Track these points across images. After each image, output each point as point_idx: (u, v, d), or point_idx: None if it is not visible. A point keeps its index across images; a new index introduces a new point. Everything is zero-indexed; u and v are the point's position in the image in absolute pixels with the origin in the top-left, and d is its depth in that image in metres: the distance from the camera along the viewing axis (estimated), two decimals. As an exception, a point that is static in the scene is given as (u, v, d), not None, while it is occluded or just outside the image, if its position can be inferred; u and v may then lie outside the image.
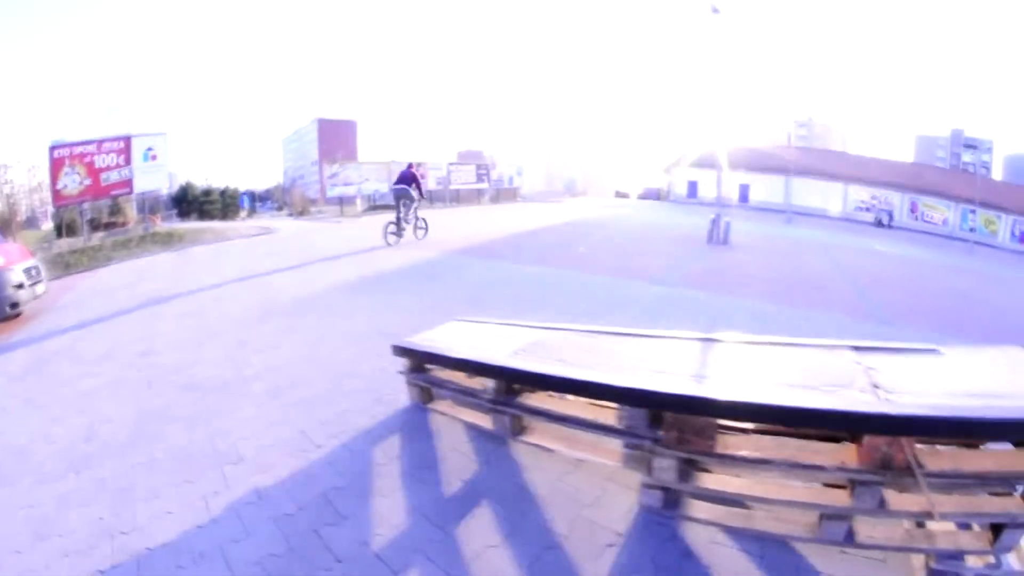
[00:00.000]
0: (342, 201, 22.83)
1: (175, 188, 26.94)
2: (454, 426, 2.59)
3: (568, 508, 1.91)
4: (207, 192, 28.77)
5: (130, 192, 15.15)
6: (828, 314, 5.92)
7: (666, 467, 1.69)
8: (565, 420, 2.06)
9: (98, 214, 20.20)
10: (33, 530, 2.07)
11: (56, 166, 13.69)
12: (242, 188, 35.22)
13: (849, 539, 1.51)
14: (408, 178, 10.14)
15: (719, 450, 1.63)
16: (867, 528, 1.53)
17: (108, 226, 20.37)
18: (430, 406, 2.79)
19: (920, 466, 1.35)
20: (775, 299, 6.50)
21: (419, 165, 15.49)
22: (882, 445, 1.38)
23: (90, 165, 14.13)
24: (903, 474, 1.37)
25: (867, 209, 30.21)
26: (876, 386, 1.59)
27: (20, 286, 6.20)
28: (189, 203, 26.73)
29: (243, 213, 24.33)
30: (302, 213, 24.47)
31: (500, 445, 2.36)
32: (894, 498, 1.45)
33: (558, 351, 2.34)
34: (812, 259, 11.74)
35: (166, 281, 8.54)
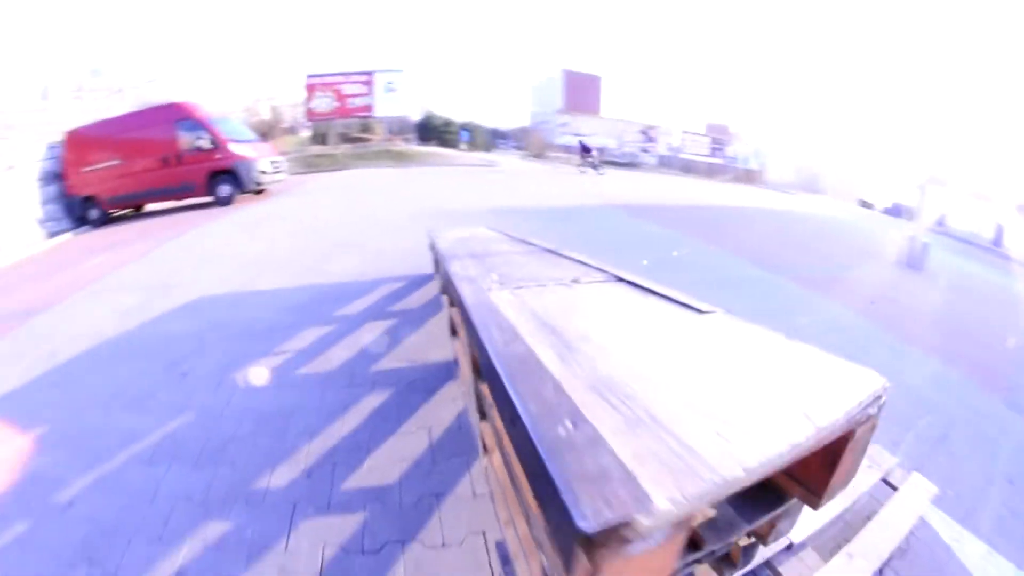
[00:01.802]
0: (568, 151, 24.15)
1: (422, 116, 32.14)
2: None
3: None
4: (447, 123, 33.33)
5: (370, 116, 19.67)
6: None
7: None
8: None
9: (348, 130, 25.45)
10: (281, 270, 4.50)
11: (310, 90, 18.80)
12: (489, 126, 39.78)
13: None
14: (585, 147, 17.79)
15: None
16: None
17: (355, 140, 25.66)
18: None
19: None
20: None
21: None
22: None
23: (338, 91, 18.89)
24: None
25: None
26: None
27: (264, 172, 9.56)
28: (430, 131, 31.28)
29: (463, 146, 27.47)
30: (538, 156, 26.92)
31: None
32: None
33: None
34: None
35: (373, 185, 11.75)
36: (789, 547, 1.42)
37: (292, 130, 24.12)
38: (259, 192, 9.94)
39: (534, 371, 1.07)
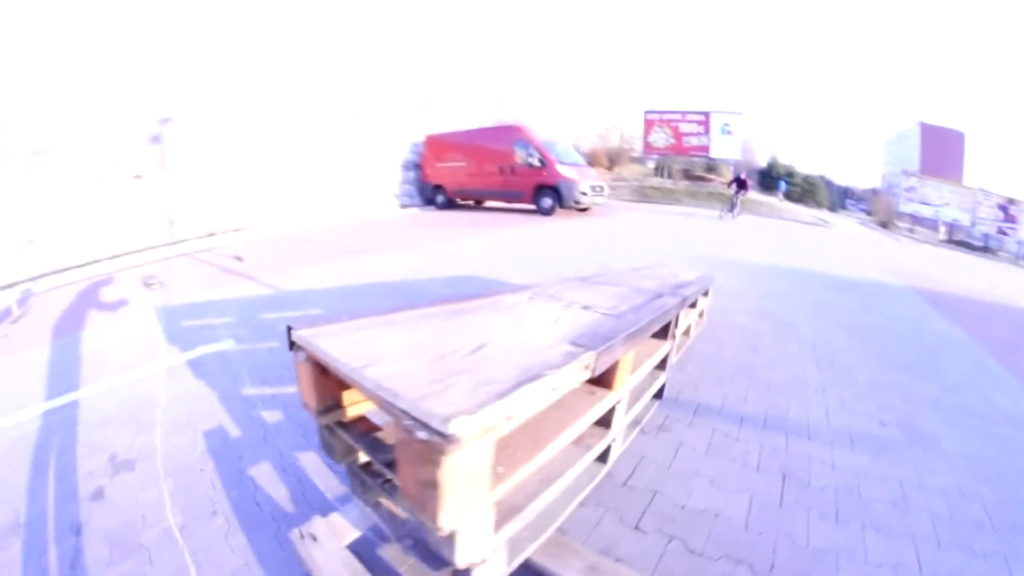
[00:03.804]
0: (916, 221, 19.23)
1: (764, 163, 30.00)
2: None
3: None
4: (790, 173, 30.08)
5: (706, 156, 19.35)
6: None
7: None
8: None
9: (692, 167, 25.52)
10: (543, 271, 5.33)
11: (648, 125, 19.63)
12: (837, 181, 34.42)
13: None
14: (740, 181, 13.51)
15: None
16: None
17: (695, 178, 25.61)
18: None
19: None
20: None
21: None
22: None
23: (675, 129, 19.17)
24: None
25: None
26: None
27: (584, 193, 10.65)
28: (772, 179, 28.97)
29: (779, 195, 24.14)
30: (884, 224, 21.84)
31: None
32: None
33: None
34: None
35: (685, 224, 11.55)
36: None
37: (640, 160, 25.94)
38: (583, 210, 11.15)
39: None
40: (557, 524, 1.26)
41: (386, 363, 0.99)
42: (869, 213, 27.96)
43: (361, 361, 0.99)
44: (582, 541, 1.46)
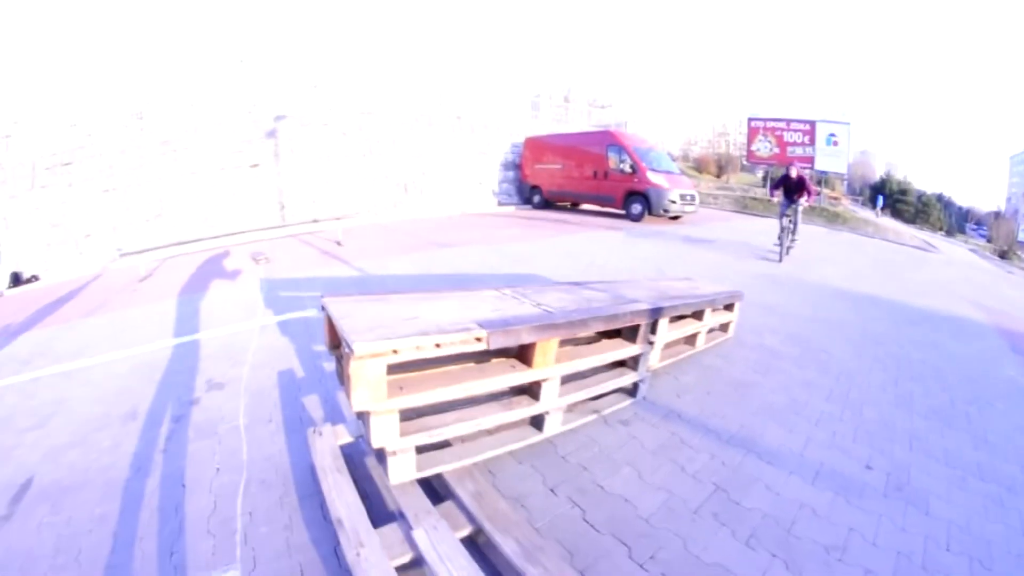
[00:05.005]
0: None
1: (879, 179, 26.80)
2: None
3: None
4: (904, 191, 26.45)
5: (810, 168, 17.60)
6: None
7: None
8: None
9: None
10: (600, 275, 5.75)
11: (752, 133, 18.32)
12: (957, 202, 29.53)
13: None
14: (794, 180, 7.52)
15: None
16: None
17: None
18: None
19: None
20: None
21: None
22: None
23: (779, 138, 17.70)
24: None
25: None
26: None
27: (673, 201, 10.55)
28: (885, 196, 25.83)
29: (876, 210, 20.94)
30: (1003, 254, 18.43)
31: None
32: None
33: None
34: None
35: (758, 240, 10.94)
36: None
37: (749, 169, 24.41)
38: (674, 218, 11.05)
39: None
40: (477, 459, 1.71)
41: (353, 318, 1.52)
42: (989, 240, 23.50)
43: (343, 317, 1.53)
44: (499, 484, 1.84)
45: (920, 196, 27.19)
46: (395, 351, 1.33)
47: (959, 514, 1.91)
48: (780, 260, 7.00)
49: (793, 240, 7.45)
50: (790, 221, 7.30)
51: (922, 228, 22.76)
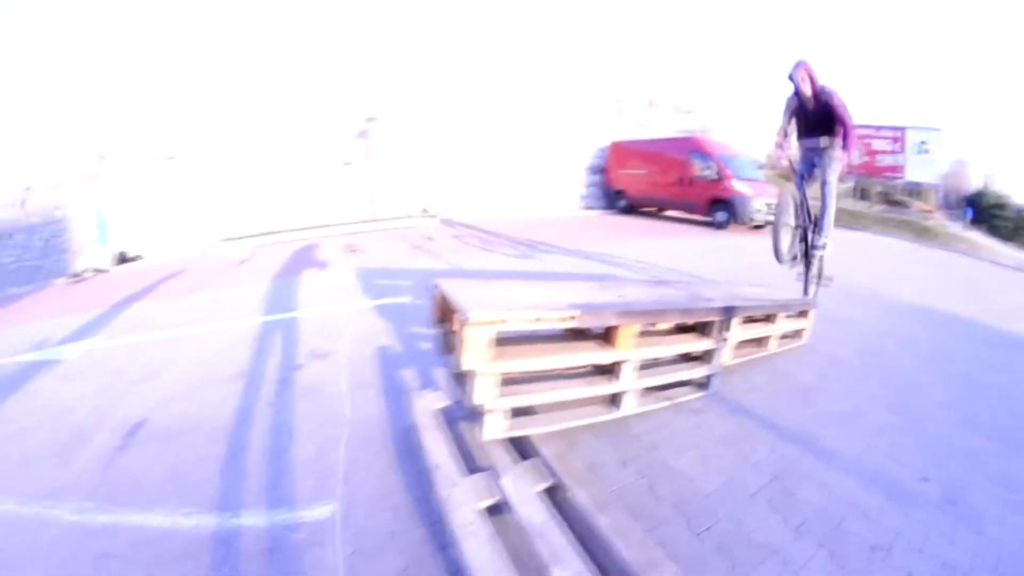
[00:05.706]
0: None
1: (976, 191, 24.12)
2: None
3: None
4: (1000, 205, 23.46)
5: (900, 177, 16.37)
6: None
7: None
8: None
9: (891, 190, 21.82)
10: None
11: None
12: None
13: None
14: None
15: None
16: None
17: (892, 203, 21.83)
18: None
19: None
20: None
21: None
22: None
23: (867, 145, 16.38)
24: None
25: None
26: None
27: (758, 210, 10.20)
28: (981, 210, 23.10)
29: (963, 223, 18.39)
30: None
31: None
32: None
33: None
34: None
35: (856, 253, 10.24)
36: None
37: (840, 179, 22.84)
38: (758, 227, 10.49)
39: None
40: (559, 427, 1.92)
41: (465, 294, 1.79)
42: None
43: (456, 292, 1.81)
44: (577, 453, 2.02)
45: (1020, 211, 24.12)
46: (504, 320, 1.59)
47: (1013, 538, 1.83)
48: (806, 293, 4.20)
49: (814, 251, 4.08)
50: (806, 214, 4.06)
51: (1022, 247, 20.32)
